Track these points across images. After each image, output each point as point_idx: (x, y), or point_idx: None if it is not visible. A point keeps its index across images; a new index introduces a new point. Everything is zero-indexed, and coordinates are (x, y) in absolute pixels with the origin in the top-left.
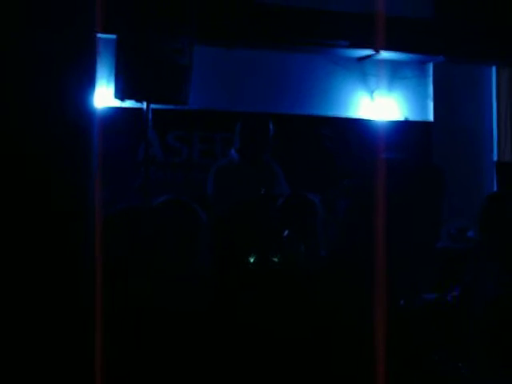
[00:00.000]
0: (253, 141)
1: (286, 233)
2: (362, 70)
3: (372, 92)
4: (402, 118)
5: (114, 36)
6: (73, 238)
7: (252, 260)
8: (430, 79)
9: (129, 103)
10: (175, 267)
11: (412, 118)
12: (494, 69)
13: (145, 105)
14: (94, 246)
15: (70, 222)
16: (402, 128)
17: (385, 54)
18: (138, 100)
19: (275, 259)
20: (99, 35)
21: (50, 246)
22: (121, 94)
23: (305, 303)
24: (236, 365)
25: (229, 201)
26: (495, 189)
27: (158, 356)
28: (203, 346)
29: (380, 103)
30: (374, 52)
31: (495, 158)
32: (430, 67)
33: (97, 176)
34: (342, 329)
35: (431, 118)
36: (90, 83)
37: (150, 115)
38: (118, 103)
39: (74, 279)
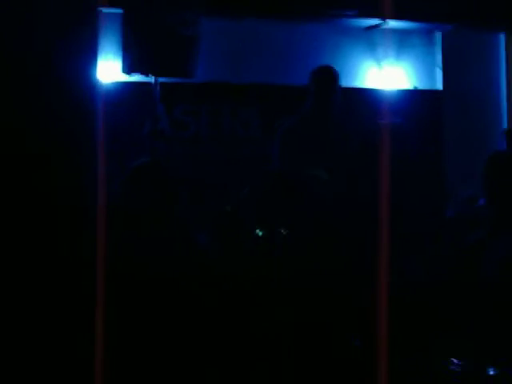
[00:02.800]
0: (327, 94)
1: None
2: (370, 40)
3: (380, 61)
4: (410, 87)
5: (120, 10)
6: (77, 213)
7: (260, 234)
8: (439, 48)
9: (136, 77)
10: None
11: (421, 86)
12: (502, 36)
13: (152, 78)
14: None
15: (74, 202)
16: (411, 97)
17: (392, 23)
18: (145, 73)
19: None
20: (105, 10)
21: (53, 222)
22: (128, 68)
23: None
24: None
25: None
26: None
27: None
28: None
29: (388, 73)
30: (381, 21)
31: (505, 125)
32: (438, 36)
33: (100, 152)
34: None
35: (440, 86)
36: (92, 57)
37: (158, 88)
38: (125, 77)
39: (76, 268)
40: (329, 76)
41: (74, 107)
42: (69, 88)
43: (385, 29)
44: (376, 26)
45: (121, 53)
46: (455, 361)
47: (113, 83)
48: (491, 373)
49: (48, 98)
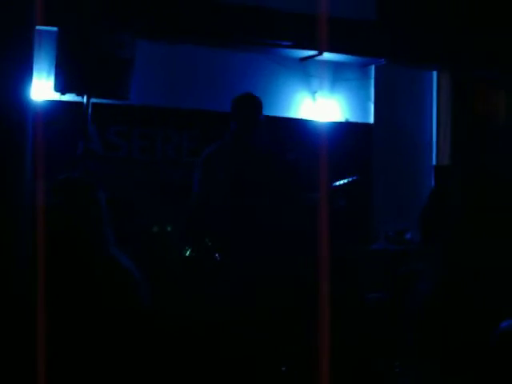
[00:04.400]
0: (247, 121)
1: None
2: (305, 71)
3: (314, 93)
4: (343, 120)
5: (55, 28)
6: (6, 234)
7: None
8: (372, 81)
9: (69, 97)
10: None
11: (353, 119)
12: (435, 73)
13: (85, 99)
14: (31, 240)
15: (4, 218)
16: (343, 129)
17: (327, 55)
18: (79, 94)
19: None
20: (40, 27)
21: None
22: (61, 87)
23: None
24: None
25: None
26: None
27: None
28: None
29: (322, 104)
30: (316, 53)
31: (434, 161)
32: (372, 69)
33: (32, 169)
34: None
35: (372, 119)
36: (26, 76)
37: (90, 109)
38: (57, 96)
39: (9, 280)
40: (249, 104)
41: (6, 123)
42: (1, 104)
43: (320, 60)
44: (311, 57)
45: (54, 71)
46: None
47: (44, 101)
48: None
49: None
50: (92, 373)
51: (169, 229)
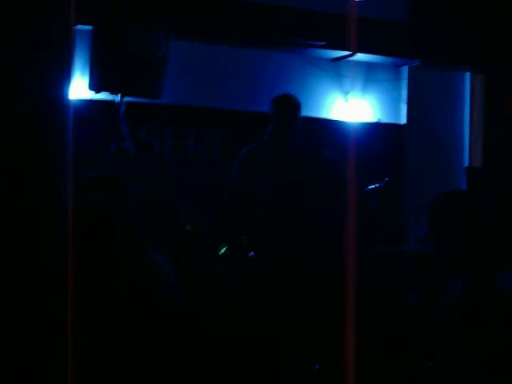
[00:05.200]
0: (285, 122)
1: None
2: (337, 71)
3: (346, 93)
4: (375, 120)
5: (89, 27)
6: (44, 230)
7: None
8: (405, 82)
9: (102, 95)
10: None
11: (385, 120)
12: (468, 75)
13: (118, 97)
14: (67, 238)
15: (42, 215)
16: (375, 130)
17: (360, 56)
18: (113, 92)
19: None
20: (74, 26)
21: (21, 237)
22: (95, 86)
23: None
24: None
25: (253, 186)
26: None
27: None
28: None
29: (354, 105)
30: (349, 53)
31: (466, 163)
32: (405, 70)
33: (71, 167)
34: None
35: (404, 120)
36: (66, 76)
37: (123, 108)
38: (91, 95)
39: (45, 277)
40: (288, 104)
41: (46, 123)
42: (43, 103)
43: (352, 61)
44: (343, 58)
45: (88, 70)
46: None
47: (78, 100)
48: None
49: (23, 112)
50: (121, 370)
51: (201, 227)
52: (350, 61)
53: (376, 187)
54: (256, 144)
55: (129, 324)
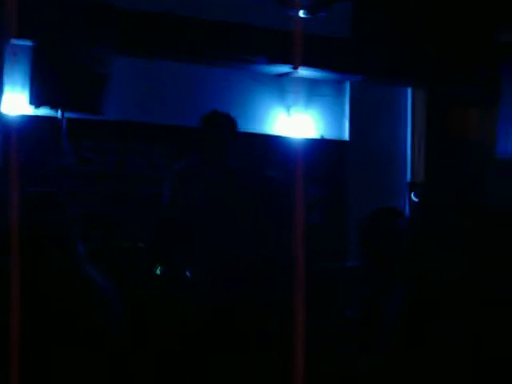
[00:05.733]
0: (218, 142)
1: None
2: (280, 87)
3: (289, 109)
4: (318, 136)
5: (30, 42)
6: None
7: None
8: (347, 98)
9: (44, 111)
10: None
11: (328, 136)
12: (409, 90)
13: (59, 113)
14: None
15: None
16: (318, 146)
17: (303, 72)
18: (53, 107)
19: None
20: (15, 41)
21: None
22: (36, 101)
23: None
24: None
25: (183, 206)
26: (407, 208)
27: None
28: None
29: (297, 120)
30: (292, 69)
31: (409, 178)
32: (347, 86)
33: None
34: None
35: (347, 136)
36: None
37: (65, 124)
38: (32, 111)
39: None
40: (214, 123)
41: None
42: None
43: (295, 77)
44: (287, 74)
45: (28, 85)
46: None
47: (18, 116)
48: None
49: None
50: None
51: (141, 245)
52: (293, 76)
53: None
54: (187, 160)
55: (66, 340)
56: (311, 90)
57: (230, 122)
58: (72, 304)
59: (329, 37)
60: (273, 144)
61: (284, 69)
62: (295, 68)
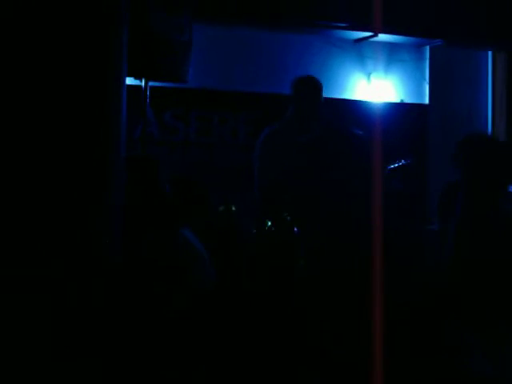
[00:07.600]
0: (306, 103)
1: None
2: (359, 52)
3: (369, 74)
4: (398, 101)
5: None
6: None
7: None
8: (427, 62)
9: (127, 80)
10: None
11: (408, 100)
12: (489, 54)
13: (143, 82)
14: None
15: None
16: (398, 110)
17: (382, 37)
18: (137, 77)
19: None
20: None
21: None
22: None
23: None
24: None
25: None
26: None
27: None
28: None
29: (376, 85)
30: (371, 34)
31: None
32: (427, 50)
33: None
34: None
35: (427, 100)
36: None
37: (148, 93)
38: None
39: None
40: (308, 86)
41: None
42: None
43: (374, 42)
44: (366, 39)
45: None
46: None
47: None
48: None
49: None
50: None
51: (233, 208)
52: (372, 41)
53: (399, 166)
54: (277, 125)
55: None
56: (391, 54)
57: (321, 86)
58: (166, 264)
59: (408, 0)
60: (354, 109)
61: (363, 34)
62: (375, 33)
